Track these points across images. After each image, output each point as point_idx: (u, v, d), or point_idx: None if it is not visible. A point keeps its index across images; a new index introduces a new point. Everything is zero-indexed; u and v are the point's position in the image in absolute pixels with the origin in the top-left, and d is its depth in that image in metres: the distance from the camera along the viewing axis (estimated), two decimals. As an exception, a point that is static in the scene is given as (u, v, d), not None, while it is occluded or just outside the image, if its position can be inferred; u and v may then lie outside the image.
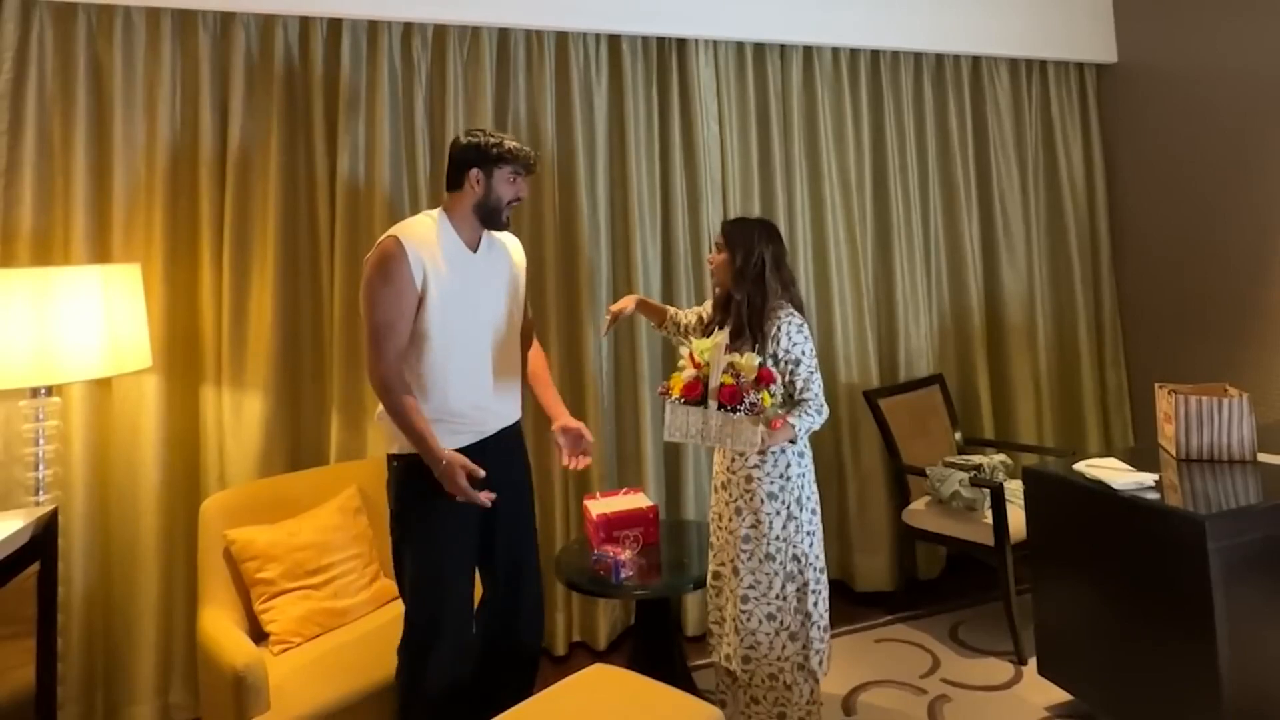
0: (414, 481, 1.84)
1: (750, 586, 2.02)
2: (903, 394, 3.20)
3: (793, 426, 1.96)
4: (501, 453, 1.94)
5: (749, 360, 1.89)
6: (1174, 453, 2.34)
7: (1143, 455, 2.39)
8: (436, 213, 1.93)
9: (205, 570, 2.16)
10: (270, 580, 2.15)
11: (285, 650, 2.09)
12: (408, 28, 2.62)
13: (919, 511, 2.98)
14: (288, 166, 2.51)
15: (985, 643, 2.78)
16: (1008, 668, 2.62)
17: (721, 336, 1.96)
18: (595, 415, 2.77)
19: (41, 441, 2.05)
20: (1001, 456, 3.05)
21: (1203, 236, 3.35)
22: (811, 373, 2.00)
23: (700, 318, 2.27)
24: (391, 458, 1.92)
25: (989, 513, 2.71)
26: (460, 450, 1.82)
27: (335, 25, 2.56)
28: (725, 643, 2.08)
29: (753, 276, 2.02)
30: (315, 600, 2.19)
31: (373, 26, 2.57)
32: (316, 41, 2.54)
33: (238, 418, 2.39)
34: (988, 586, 3.16)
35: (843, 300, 3.16)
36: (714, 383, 1.89)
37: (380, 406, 1.85)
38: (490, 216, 1.92)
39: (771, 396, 1.91)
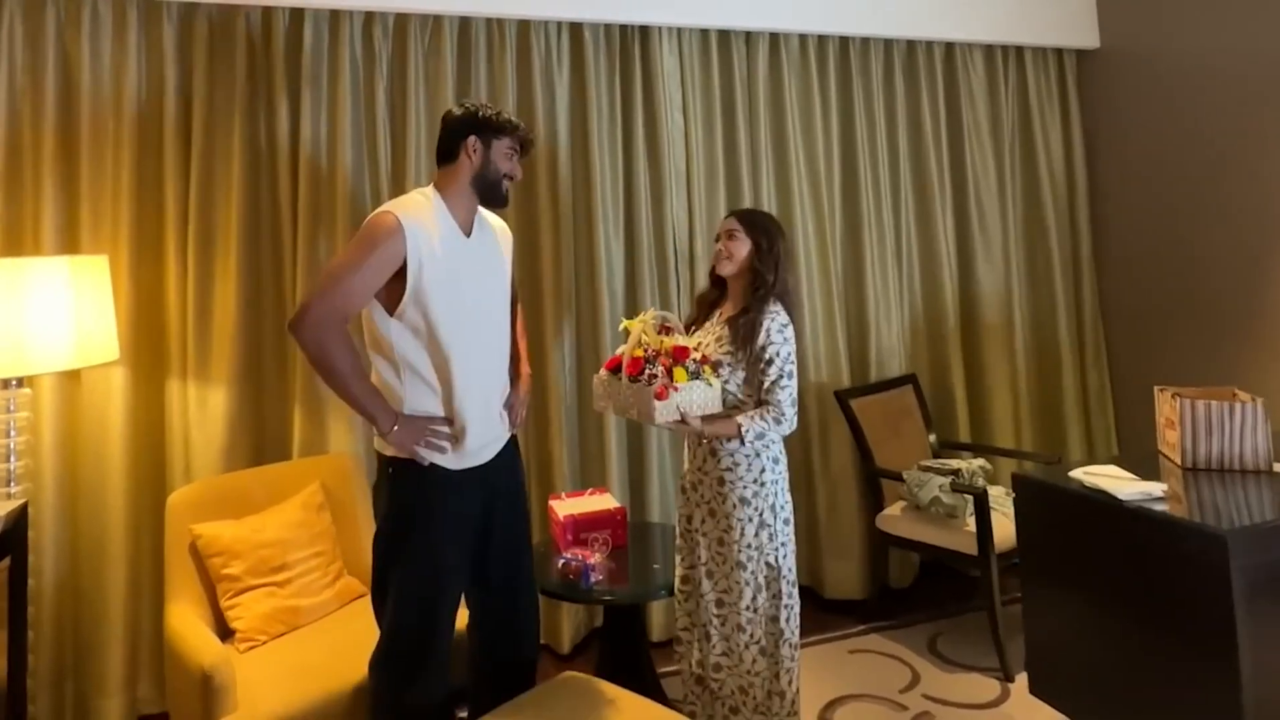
0: (415, 488, 2.13)
1: (724, 592, 2.44)
2: (875, 394, 3.88)
3: (738, 425, 2.35)
4: (502, 466, 2.30)
5: (669, 340, 2.39)
6: (1178, 461, 2.66)
7: (1142, 462, 2.73)
8: (429, 190, 2.19)
9: (172, 565, 2.67)
10: (235, 576, 2.67)
11: (251, 648, 2.59)
12: (369, 16, 3.31)
13: (894, 517, 3.58)
14: (250, 158, 3.17)
15: (967, 657, 3.28)
16: (993, 684, 3.07)
17: (650, 314, 2.44)
18: (558, 416, 3.46)
19: (13, 433, 2.64)
20: (980, 461, 3.62)
21: (1190, 231, 4.01)
22: (782, 377, 2.38)
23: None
24: (387, 461, 2.16)
25: (971, 520, 3.23)
26: (470, 467, 2.18)
27: (297, 15, 3.22)
28: (696, 648, 2.51)
29: (774, 264, 2.49)
30: (280, 598, 2.69)
31: (334, 15, 3.25)
32: (278, 31, 3.20)
33: (203, 411, 3.04)
34: (964, 596, 3.80)
35: (812, 296, 3.88)
36: (626, 357, 2.39)
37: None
38: (490, 190, 2.20)
39: (689, 375, 2.33)
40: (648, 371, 2.33)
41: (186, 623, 2.51)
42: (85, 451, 2.93)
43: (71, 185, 2.97)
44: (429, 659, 2.13)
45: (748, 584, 2.42)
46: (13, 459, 2.64)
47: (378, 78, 3.31)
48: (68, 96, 2.99)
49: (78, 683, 2.90)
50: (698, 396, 2.33)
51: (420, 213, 2.10)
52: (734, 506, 2.43)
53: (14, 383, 2.66)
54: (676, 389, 2.29)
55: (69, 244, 2.95)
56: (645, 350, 2.39)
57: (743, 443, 2.40)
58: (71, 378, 2.93)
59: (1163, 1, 4.10)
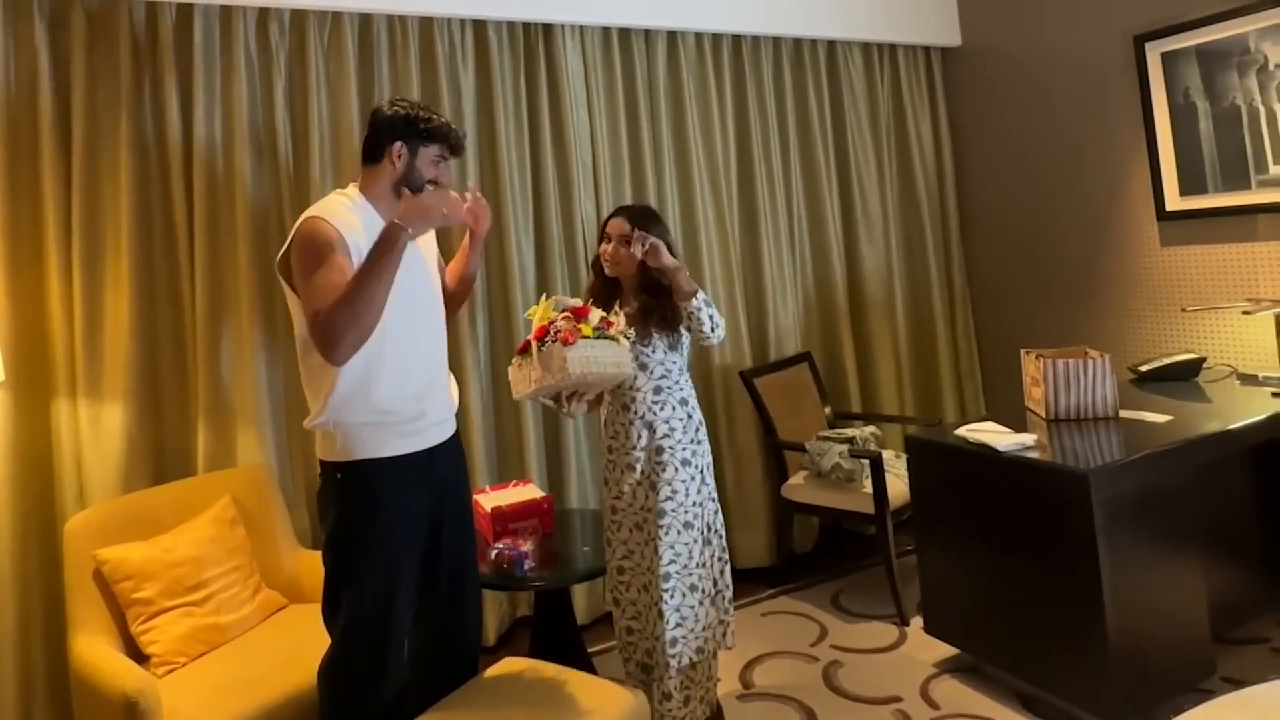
0: (364, 490, 1.99)
1: (671, 561, 2.35)
2: (775, 372, 3.93)
3: (695, 290, 2.36)
4: (447, 453, 2.18)
5: (561, 301, 2.24)
6: (1043, 414, 2.86)
7: (1013, 418, 2.92)
8: (351, 191, 2.08)
9: (74, 594, 2.39)
10: (148, 600, 2.42)
11: (170, 671, 2.36)
12: (263, 12, 2.97)
13: (797, 486, 3.63)
14: (139, 161, 2.79)
15: (866, 608, 3.43)
16: (891, 630, 3.22)
17: (551, 300, 2.25)
18: (474, 411, 3.26)
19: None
20: (872, 428, 3.72)
21: (1043, 210, 4.24)
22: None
23: None
24: (333, 467, 2.01)
25: (868, 482, 3.35)
26: (407, 455, 2.02)
27: (185, 9, 2.85)
28: (644, 636, 2.42)
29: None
30: (197, 617, 2.47)
31: (225, 11, 2.89)
32: (165, 27, 2.83)
33: (96, 431, 2.68)
34: (861, 555, 3.95)
35: (714, 283, 3.83)
36: (534, 327, 2.20)
37: (312, 418, 2.01)
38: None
39: (597, 333, 2.18)
40: (553, 329, 2.16)
41: (97, 651, 2.26)
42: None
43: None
44: (385, 664, 2.01)
45: (695, 541, 2.39)
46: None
47: (275, 77, 2.97)
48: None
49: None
50: (606, 353, 2.19)
51: (346, 215, 1.99)
52: (675, 470, 2.38)
53: (-118, 413, 2.28)
54: (585, 337, 2.16)
55: (-65, 259, 2.54)
56: (552, 323, 2.21)
57: (694, 297, 2.38)
58: (-57, 403, 2.53)
59: (1014, 4, 4.29)
